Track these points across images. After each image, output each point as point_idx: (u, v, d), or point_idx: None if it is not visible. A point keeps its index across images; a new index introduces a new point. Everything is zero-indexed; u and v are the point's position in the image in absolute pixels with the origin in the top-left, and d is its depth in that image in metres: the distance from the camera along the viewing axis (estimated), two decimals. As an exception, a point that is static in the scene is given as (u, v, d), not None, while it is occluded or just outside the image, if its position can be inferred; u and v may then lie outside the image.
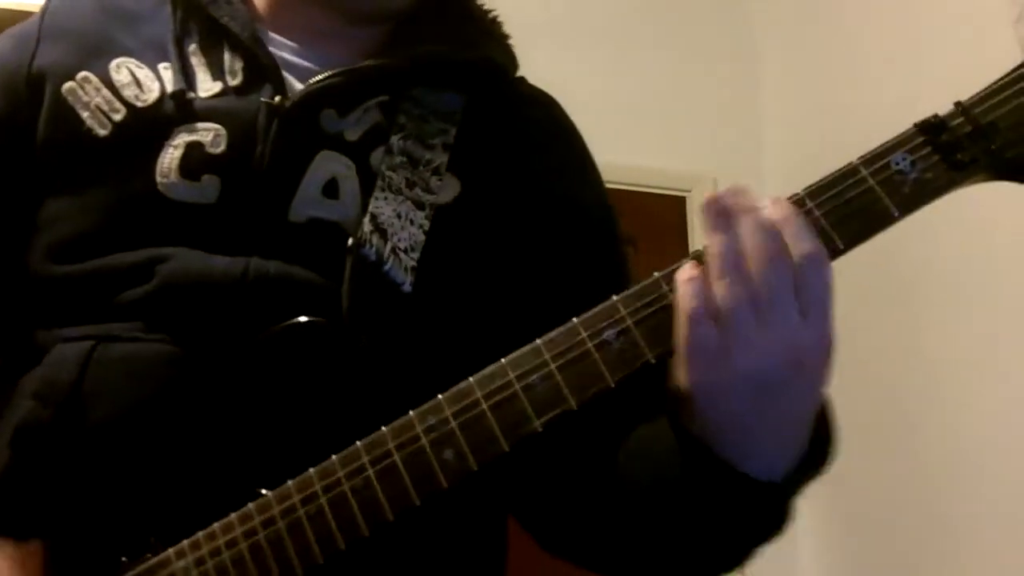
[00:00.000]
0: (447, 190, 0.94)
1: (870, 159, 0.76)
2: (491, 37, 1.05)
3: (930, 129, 0.76)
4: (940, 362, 2.50)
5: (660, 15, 3.32)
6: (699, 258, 0.74)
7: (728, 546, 0.80)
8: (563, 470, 0.91)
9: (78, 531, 0.81)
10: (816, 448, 0.76)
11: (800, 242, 0.71)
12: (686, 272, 0.73)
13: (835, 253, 0.73)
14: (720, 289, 0.70)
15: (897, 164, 0.75)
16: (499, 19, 1.08)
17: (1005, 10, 2.06)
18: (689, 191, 3.18)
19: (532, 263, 0.96)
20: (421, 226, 0.91)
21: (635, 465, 0.83)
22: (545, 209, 0.98)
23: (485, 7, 1.08)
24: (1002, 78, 0.77)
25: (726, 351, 0.70)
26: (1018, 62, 0.76)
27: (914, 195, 0.75)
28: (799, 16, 3.24)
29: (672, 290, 0.74)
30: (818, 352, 0.71)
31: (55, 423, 0.84)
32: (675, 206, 3.15)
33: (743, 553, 0.80)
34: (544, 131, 1.05)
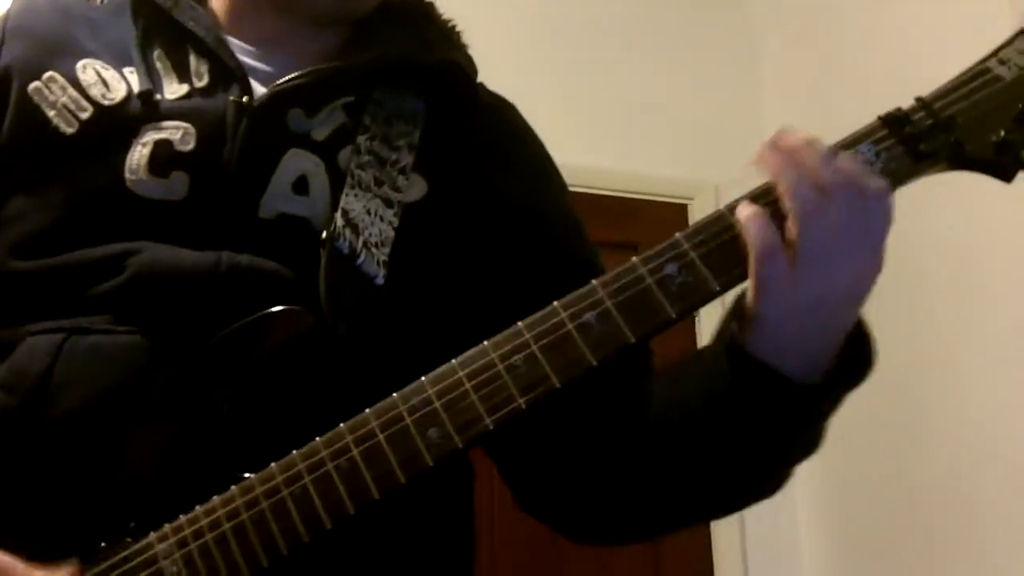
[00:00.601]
0: (414, 189, 0.96)
1: (840, 148, 0.79)
2: (451, 43, 1.08)
3: (894, 122, 0.80)
4: (950, 354, 2.46)
5: (662, 23, 3.33)
6: (756, 199, 0.78)
7: (772, 462, 0.84)
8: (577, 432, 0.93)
9: (50, 518, 0.80)
10: (852, 361, 0.80)
11: (870, 178, 0.76)
12: (750, 209, 0.77)
13: None
14: (798, 227, 0.75)
15: (863, 153, 0.79)
16: (458, 28, 1.10)
17: (1007, 14, 2.10)
18: (691, 199, 3.18)
19: (497, 260, 0.98)
20: (391, 223, 0.93)
21: (676, 399, 0.86)
22: (508, 209, 1.01)
23: (445, 16, 1.11)
24: (960, 75, 0.82)
25: (800, 279, 0.75)
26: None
27: (880, 183, 0.78)
28: (801, 24, 3.24)
29: (695, 247, 0.78)
30: (873, 275, 0.77)
31: (22, 412, 0.83)
32: (678, 214, 3.14)
33: (784, 472, 0.85)
34: (505, 134, 1.07)
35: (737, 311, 0.80)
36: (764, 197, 0.78)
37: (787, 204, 0.75)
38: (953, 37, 2.40)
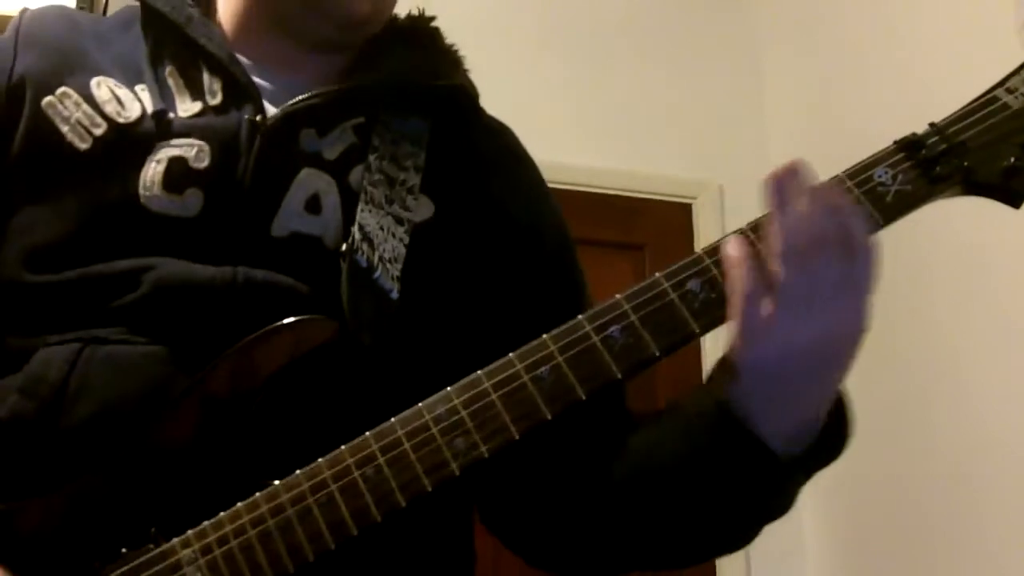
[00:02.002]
0: (422, 209, 0.98)
1: (854, 172, 0.82)
2: (455, 67, 1.09)
3: (909, 146, 0.82)
4: (955, 351, 2.45)
5: (666, 24, 3.35)
6: (745, 233, 0.78)
7: (742, 522, 0.84)
8: (553, 473, 0.94)
9: (68, 523, 0.80)
10: (830, 436, 0.80)
11: (860, 233, 0.76)
12: (737, 249, 0.77)
13: None
14: (780, 268, 0.75)
15: (879, 177, 0.81)
16: (461, 53, 1.11)
17: (1010, 15, 2.09)
18: (695, 198, 3.18)
19: (499, 275, 1.00)
20: (402, 240, 0.94)
21: (656, 448, 0.86)
22: (511, 227, 1.03)
23: (448, 41, 1.12)
24: (971, 102, 0.85)
25: (781, 326, 0.74)
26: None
27: (895, 205, 0.81)
28: (804, 23, 3.25)
29: (716, 264, 0.78)
30: (858, 335, 0.76)
31: (39, 417, 0.84)
32: (681, 213, 3.15)
33: (752, 532, 0.85)
34: (505, 157, 1.09)
35: (723, 362, 0.81)
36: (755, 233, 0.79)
37: (775, 246, 0.75)
38: (957, 44, 2.42)
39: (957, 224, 2.24)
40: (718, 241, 0.80)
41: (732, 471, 0.79)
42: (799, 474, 0.80)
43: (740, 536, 0.86)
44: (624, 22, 3.29)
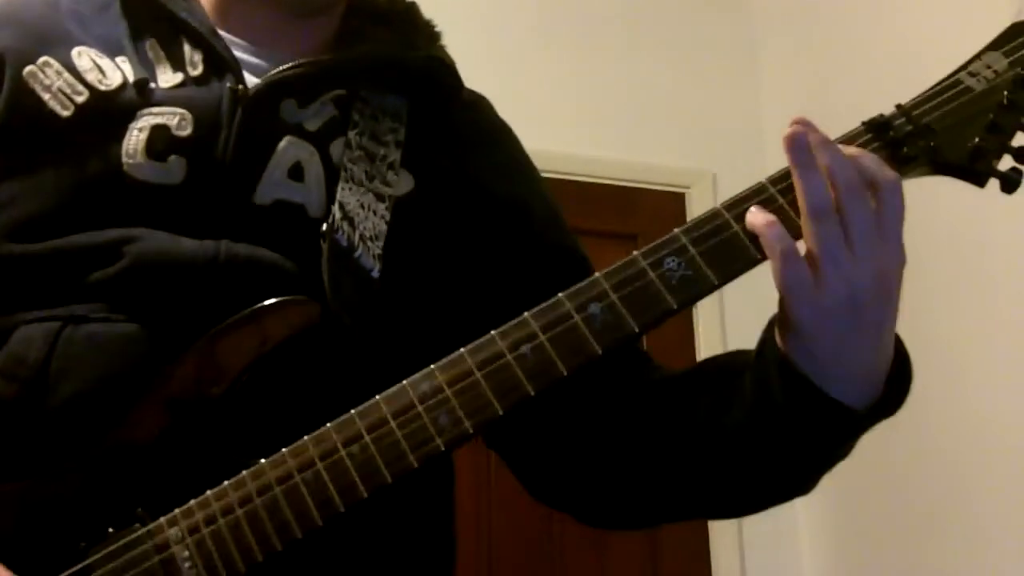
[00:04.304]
0: (402, 184, 0.99)
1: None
2: (433, 43, 1.10)
3: (877, 127, 0.84)
4: (950, 346, 2.44)
5: (660, 11, 3.35)
6: (764, 192, 0.80)
7: (801, 471, 0.86)
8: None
9: (52, 505, 0.80)
10: (895, 382, 0.81)
11: (882, 170, 0.78)
12: (763, 215, 0.78)
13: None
14: (812, 227, 0.76)
15: (849, 156, 0.83)
16: (438, 29, 1.13)
17: (1006, 8, 2.10)
18: (689, 187, 3.18)
19: (485, 250, 1.02)
20: (383, 216, 0.96)
21: (718, 404, 0.87)
22: (494, 200, 1.04)
23: (427, 18, 1.13)
24: (935, 85, 0.87)
25: (822, 283, 0.76)
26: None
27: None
28: (799, 11, 3.24)
29: (692, 243, 0.80)
30: (897, 270, 0.78)
31: (20, 399, 0.84)
32: (675, 202, 3.16)
33: (812, 480, 0.86)
34: (484, 130, 1.11)
35: (776, 321, 0.81)
36: (763, 196, 0.81)
37: (803, 203, 0.77)
38: (953, 34, 2.35)
39: (951, 217, 2.25)
40: (692, 221, 0.82)
41: (807, 429, 0.80)
42: (868, 422, 0.80)
43: (807, 483, 0.87)
44: (618, 11, 3.30)
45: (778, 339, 0.80)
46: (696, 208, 3.13)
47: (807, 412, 0.79)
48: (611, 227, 2.93)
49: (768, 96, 3.35)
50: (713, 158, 3.15)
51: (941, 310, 2.48)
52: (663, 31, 3.34)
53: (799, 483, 0.87)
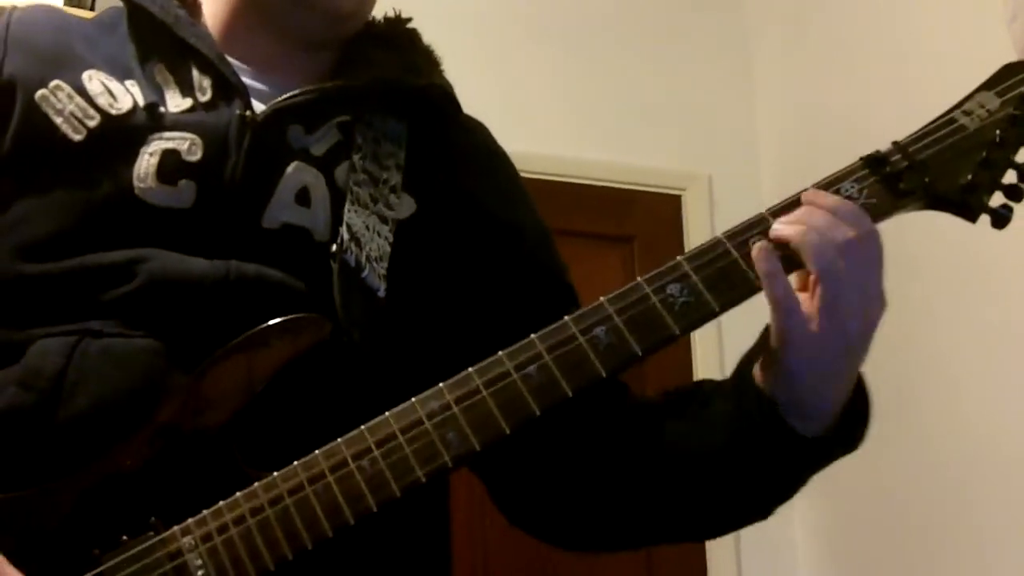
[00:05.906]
0: (404, 207, 1.02)
1: (824, 185, 0.87)
2: (435, 68, 1.13)
3: (873, 162, 0.88)
4: (945, 351, 2.47)
5: (655, 16, 3.37)
6: (764, 223, 0.85)
7: (763, 500, 0.91)
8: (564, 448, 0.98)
9: (67, 513, 0.82)
10: (855, 415, 0.87)
11: (862, 221, 0.84)
12: (768, 264, 0.83)
13: None
14: (820, 284, 0.82)
15: (847, 191, 0.87)
16: (437, 55, 1.15)
17: (999, 10, 2.11)
18: (684, 190, 3.19)
19: (482, 275, 1.05)
20: (387, 238, 0.98)
21: (696, 431, 0.92)
22: (490, 222, 1.07)
23: (427, 43, 1.16)
24: (931, 123, 0.90)
25: (824, 334, 0.82)
26: (995, 71, 0.91)
27: (862, 217, 0.86)
28: (794, 14, 3.26)
29: (695, 270, 0.84)
30: (880, 312, 0.84)
31: (37, 409, 0.86)
32: (671, 205, 3.16)
33: (770, 509, 0.91)
34: (482, 155, 1.14)
35: (757, 354, 0.87)
36: (763, 227, 0.85)
37: (811, 265, 0.82)
38: (947, 36, 2.44)
39: (947, 225, 2.27)
40: (696, 249, 0.85)
41: (776, 461, 0.86)
42: (838, 453, 0.87)
43: (769, 510, 0.92)
44: (613, 14, 3.31)
45: (758, 373, 0.86)
46: (692, 210, 3.15)
47: (779, 446, 0.84)
48: (607, 230, 2.96)
49: (763, 99, 3.35)
50: (709, 161, 3.16)
51: (939, 318, 2.48)
52: (658, 34, 3.36)
53: (767, 504, 0.92)
